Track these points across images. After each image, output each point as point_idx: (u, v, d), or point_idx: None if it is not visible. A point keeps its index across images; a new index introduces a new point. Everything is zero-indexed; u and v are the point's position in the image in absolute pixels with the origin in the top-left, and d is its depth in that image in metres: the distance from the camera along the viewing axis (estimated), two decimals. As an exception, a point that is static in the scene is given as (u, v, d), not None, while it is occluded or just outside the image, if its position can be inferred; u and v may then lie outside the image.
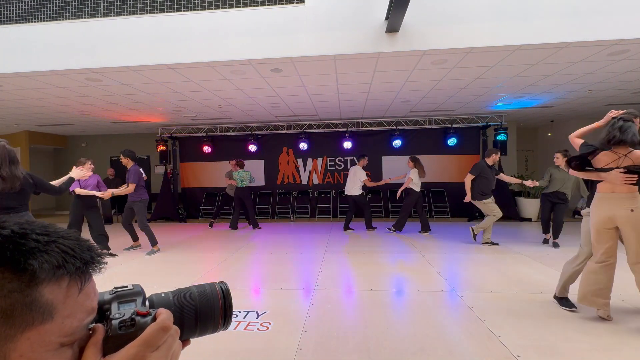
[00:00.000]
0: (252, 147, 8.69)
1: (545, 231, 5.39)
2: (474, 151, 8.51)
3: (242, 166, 7.23)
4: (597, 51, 4.03)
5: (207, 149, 8.76)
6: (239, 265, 4.47)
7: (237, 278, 3.89)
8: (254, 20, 3.96)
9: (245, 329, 2.57)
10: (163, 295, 0.49)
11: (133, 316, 0.41)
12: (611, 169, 2.38)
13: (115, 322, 0.40)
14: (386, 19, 3.72)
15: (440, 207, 8.55)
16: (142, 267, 4.39)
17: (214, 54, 4.04)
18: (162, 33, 4.06)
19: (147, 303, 0.47)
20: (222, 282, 0.53)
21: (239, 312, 2.87)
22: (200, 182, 9.32)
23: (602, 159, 2.47)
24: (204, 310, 0.50)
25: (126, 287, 0.46)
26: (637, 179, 2.29)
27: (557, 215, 5.21)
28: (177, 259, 4.82)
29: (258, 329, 2.56)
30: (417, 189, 6.28)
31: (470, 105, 7.09)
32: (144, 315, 0.42)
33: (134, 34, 4.09)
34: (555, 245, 5.14)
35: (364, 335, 2.45)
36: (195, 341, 0.52)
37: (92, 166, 4.65)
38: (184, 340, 0.48)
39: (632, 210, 2.32)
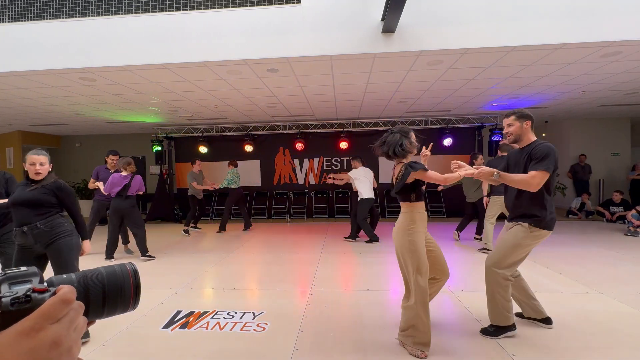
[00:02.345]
0: (248, 147, 8.67)
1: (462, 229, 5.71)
2: (470, 151, 8.55)
3: (235, 165, 7.11)
4: (590, 52, 4.07)
5: (203, 148, 8.73)
6: (235, 265, 4.46)
7: (233, 279, 3.88)
8: (250, 20, 3.95)
9: (241, 329, 2.57)
10: (65, 276, 0.47)
11: (28, 293, 0.39)
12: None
13: (6, 300, 0.38)
14: (382, 19, 3.73)
15: (436, 207, 8.59)
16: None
17: (210, 54, 4.03)
18: (157, 33, 4.03)
19: (45, 283, 0.44)
20: (130, 262, 0.53)
21: (235, 312, 2.87)
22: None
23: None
24: (113, 289, 0.49)
25: (19, 269, 0.43)
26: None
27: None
28: (173, 260, 4.79)
29: (255, 330, 2.55)
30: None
31: (465, 106, 7.13)
32: (41, 292, 0.40)
33: (129, 33, 4.06)
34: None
35: (360, 335, 2.45)
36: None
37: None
38: (89, 322, 0.46)
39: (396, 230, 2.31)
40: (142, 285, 0.52)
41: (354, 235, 5.80)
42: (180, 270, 4.22)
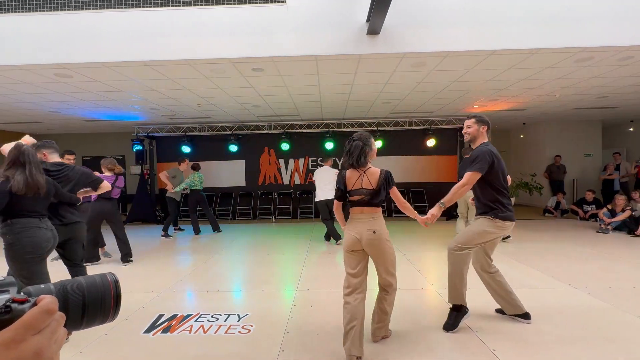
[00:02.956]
0: (233, 147, 8.56)
1: None
2: (452, 152, 8.77)
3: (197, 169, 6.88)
4: (564, 57, 4.25)
5: (185, 148, 8.55)
6: (219, 267, 4.39)
7: (217, 281, 3.82)
8: (234, 19, 3.90)
9: (226, 332, 2.53)
10: (43, 286, 0.46)
11: (8, 303, 0.38)
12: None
13: None
14: (367, 21, 3.77)
15: (420, 206, 8.74)
16: (116, 272, 4.21)
17: (194, 52, 3.95)
18: (138, 29, 3.92)
19: (22, 293, 0.43)
20: (110, 273, 0.52)
21: (220, 315, 2.82)
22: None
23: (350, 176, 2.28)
24: (93, 300, 0.48)
25: None
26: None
27: None
28: (154, 262, 4.67)
29: (239, 332, 2.52)
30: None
31: (447, 108, 7.29)
32: (21, 302, 0.39)
33: (108, 29, 3.93)
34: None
35: (346, 334, 2.46)
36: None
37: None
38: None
39: (374, 232, 2.19)
40: (122, 289, 0.51)
41: (328, 236, 5.73)
42: (162, 273, 4.12)
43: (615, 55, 4.19)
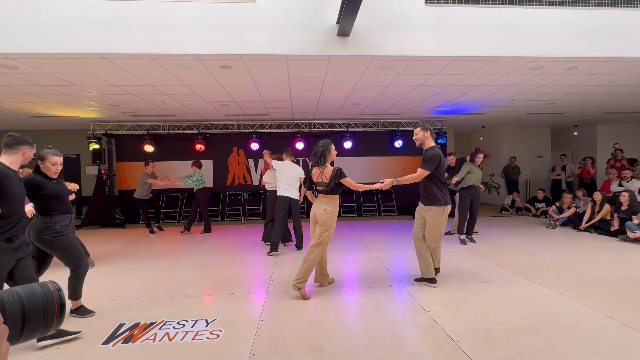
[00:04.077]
0: (200, 147, 8.27)
1: (462, 231, 5.37)
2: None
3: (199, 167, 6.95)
4: (519, 66, 4.57)
5: (148, 147, 8.13)
6: (186, 271, 4.22)
7: (184, 285, 3.67)
8: (202, 14, 3.77)
9: (193, 339, 2.43)
10: None
11: None
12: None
13: None
14: (337, 22, 3.80)
15: (388, 206, 9.00)
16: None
17: (157, 46, 3.77)
18: (95, 19, 3.67)
19: None
20: (52, 281, 0.49)
21: (186, 321, 2.71)
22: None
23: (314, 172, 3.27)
24: (35, 311, 0.44)
25: None
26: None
27: (474, 210, 5.44)
28: (114, 268, 4.39)
29: (208, 338, 2.44)
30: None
31: (414, 110, 7.56)
32: None
33: (60, 17, 3.63)
34: (472, 240, 5.39)
35: (318, 334, 2.46)
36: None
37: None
38: None
39: (324, 210, 3.15)
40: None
41: (284, 238, 5.35)
42: (123, 279, 3.88)
43: (562, 66, 4.57)
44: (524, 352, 2.15)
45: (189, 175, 6.80)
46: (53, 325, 0.46)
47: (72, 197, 3.29)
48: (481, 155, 5.53)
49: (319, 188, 3.19)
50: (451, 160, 6.39)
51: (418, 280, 3.53)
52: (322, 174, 3.16)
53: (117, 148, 8.52)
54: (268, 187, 5.49)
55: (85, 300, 3.06)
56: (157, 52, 3.81)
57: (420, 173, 3.30)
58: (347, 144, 8.50)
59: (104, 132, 8.10)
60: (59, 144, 9.37)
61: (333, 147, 3.26)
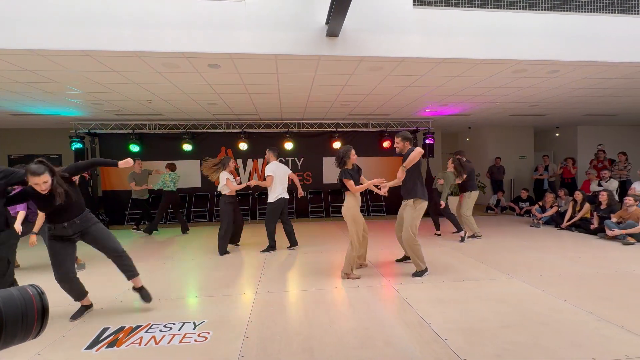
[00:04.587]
0: (187, 146, 8.15)
1: (460, 228, 5.76)
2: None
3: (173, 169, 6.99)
4: (503, 68, 4.67)
5: (134, 147, 7.95)
6: (173, 273, 4.15)
7: (171, 287, 3.61)
8: (189, 11, 3.71)
9: (180, 342, 2.39)
10: None
11: None
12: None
13: None
14: (326, 23, 3.81)
15: (377, 206, 9.06)
16: (53, 284, 3.79)
17: (143, 44, 3.68)
18: (78, 15, 3.56)
19: None
20: (33, 284, 0.48)
21: (174, 324, 2.67)
22: (125, 184, 8.39)
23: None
24: (12, 316, 0.42)
25: None
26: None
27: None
28: (98, 271, 4.28)
29: (195, 341, 2.40)
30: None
31: (402, 111, 7.64)
32: None
33: (41, 12, 3.51)
34: (462, 239, 5.62)
35: (307, 334, 2.46)
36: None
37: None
38: None
39: (346, 207, 3.71)
40: (59, 303, 0.45)
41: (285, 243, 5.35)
42: (107, 283, 3.79)
43: (544, 68, 4.71)
44: (509, 348, 2.21)
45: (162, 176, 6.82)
46: (33, 331, 0.43)
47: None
48: (450, 160, 5.82)
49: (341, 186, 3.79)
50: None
51: (415, 275, 3.76)
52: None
53: (100, 147, 8.31)
54: (225, 192, 4.98)
55: (68, 304, 2.97)
56: (143, 50, 3.73)
57: (400, 168, 3.68)
58: (337, 144, 8.52)
59: (87, 130, 7.88)
60: (40, 143, 9.14)
61: (353, 151, 3.75)
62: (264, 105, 6.78)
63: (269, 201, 5.08)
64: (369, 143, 9.01)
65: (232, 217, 5.03)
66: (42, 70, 4.30)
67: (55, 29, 3.55)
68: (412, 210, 3.73)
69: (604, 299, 3.00)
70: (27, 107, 6.35)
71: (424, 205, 3.74)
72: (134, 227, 7.17)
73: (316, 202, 8.81)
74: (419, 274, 3.75)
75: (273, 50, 3.87)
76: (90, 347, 2.35)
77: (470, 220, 5.76)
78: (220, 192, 5.09)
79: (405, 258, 4.29)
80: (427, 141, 8.65)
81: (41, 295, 0.45)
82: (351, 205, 3.67)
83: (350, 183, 3.62)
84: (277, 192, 5.03)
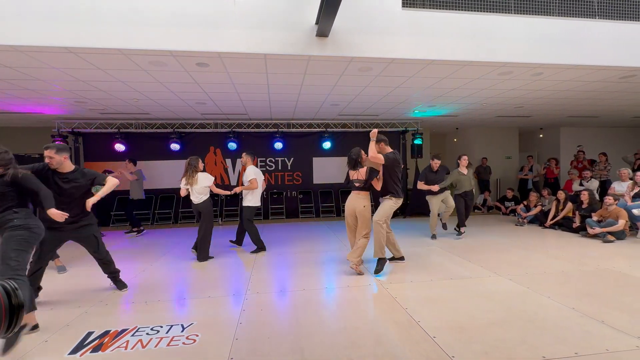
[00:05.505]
0: (175, 146, 8.02)
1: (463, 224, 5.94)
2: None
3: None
4: (490, 71, 4.76)
5: (119, 146, 7.78)
6: (160, 275, 4.07)
7: (158, 290, 3.54)
8: (177, 8, 3.65)
9: (168, 345, 2.35)
10: None
11: None
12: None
13: None
14: (316, 23, 3.81)
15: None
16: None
17: (129, 41, 3.61)
18: (61, 11, 3.46)
19: None
20: (7, 279, 0.45)
21: (161, 327, 2.62)
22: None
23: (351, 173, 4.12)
24: None
25: None
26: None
27: (468, 209, 6.09)
28: (82, 273, 4.16)
29: (184, 343, 2.36)
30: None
31: (392, 112, 7.71)
32: None
33: (21, 7, 3.40)
34: (459, 234, 5.89)
35: (297, 335, 2.45)
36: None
37: None
38: None
39: (364, 207, 3.91)
40: (40, 306, 0.42)
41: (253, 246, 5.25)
42: (91, 285, 3.69)
43: (529, 71, 4.82)
44: (497, 345, 2.25)
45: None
46: (1, 328, 0.41)
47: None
48: (465, 158, 5.89)
49: (356, 184, 3.97)
50: (435, 164, 5.81)
51: (376, 271, 3.90)
52: (358, 173, 3.97)
53: (84, 147, 8.10)
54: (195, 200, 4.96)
55: (51, 308, 2.88)
56: (129, 48, 3.65)
57: (376, 157, 3.86)
58: (326, 145, 8.53)
59: (70, 129, 7.67)
60: (21, 142, 8.84)
61: (363, 152, 4.04)
62: (254, 105, 6.73)
63: (248, 204, 5.01)
64: (359, 143, 9.04)
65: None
66: (22, 67, 4.16)
67: (37, 25, 3.44)
68: (389, 202, 3.97)
69: (586, 295, 3.09)
70: (6, 104, 6.13)
71: (399, 201, 4.03)
72: (128, 230, 7.03)
73: (306, 203, 8.80)
74: (379, 266, 3.87)
75: (263, 49, 3.84)
76: (74, 352, 2.28)
77: (434, 220, 5.92)
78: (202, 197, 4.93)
79: (393, 258, 4.34)
80: (415, 142, 8.75)
81: (15, 290, 0.42)
82: (369, 205, 3.97)
83: (378, 183, 4.00)
84: (257, 194, 5.05)
